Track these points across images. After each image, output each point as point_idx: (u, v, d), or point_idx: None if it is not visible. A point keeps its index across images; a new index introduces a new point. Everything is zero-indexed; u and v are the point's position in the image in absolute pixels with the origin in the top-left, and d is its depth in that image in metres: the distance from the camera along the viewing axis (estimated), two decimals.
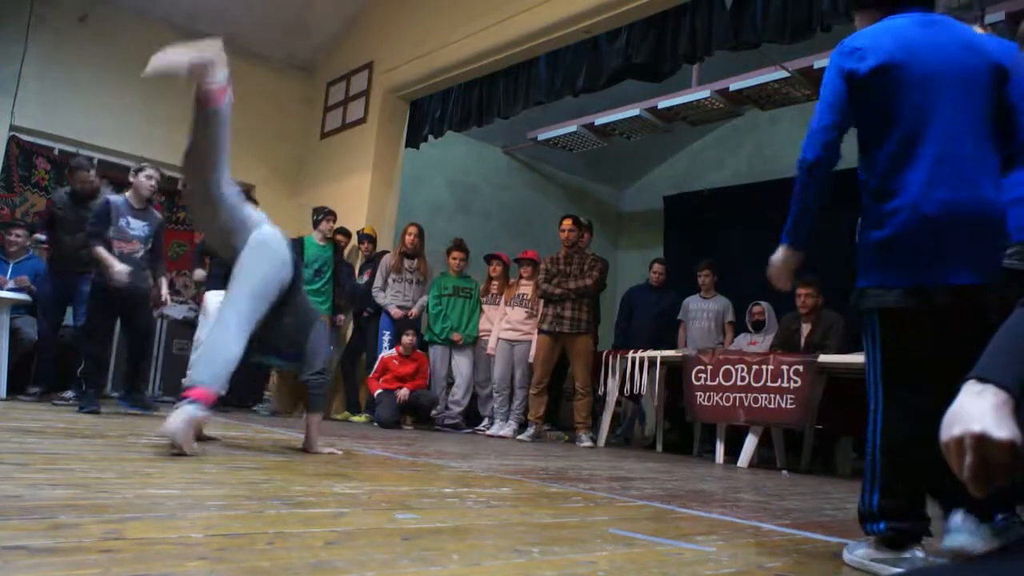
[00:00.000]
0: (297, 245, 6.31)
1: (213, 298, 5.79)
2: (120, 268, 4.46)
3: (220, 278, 5.88)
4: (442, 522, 1.68)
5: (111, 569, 1.03)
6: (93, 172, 5.41)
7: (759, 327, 6.00)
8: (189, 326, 6.65)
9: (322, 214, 6.69)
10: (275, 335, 3.09)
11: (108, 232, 4.59)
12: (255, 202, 6.15)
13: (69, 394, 5.02)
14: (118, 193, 4.97)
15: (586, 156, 8.48)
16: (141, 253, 4.72)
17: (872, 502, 1.66)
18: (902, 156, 1.68)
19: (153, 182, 4.83)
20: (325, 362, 3.18)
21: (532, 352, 6.01)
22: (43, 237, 5.26)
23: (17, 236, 5.65)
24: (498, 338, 6.23)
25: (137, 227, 4.73)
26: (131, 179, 4.82)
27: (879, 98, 1.72)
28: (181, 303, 6.70)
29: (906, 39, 1.72)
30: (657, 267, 6.77)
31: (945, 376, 1.40)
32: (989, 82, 1.72)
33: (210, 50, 2.73)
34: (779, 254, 1.86)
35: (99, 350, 4.69)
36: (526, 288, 6.26)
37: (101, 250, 4.52)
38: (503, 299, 6.38)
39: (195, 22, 7.51)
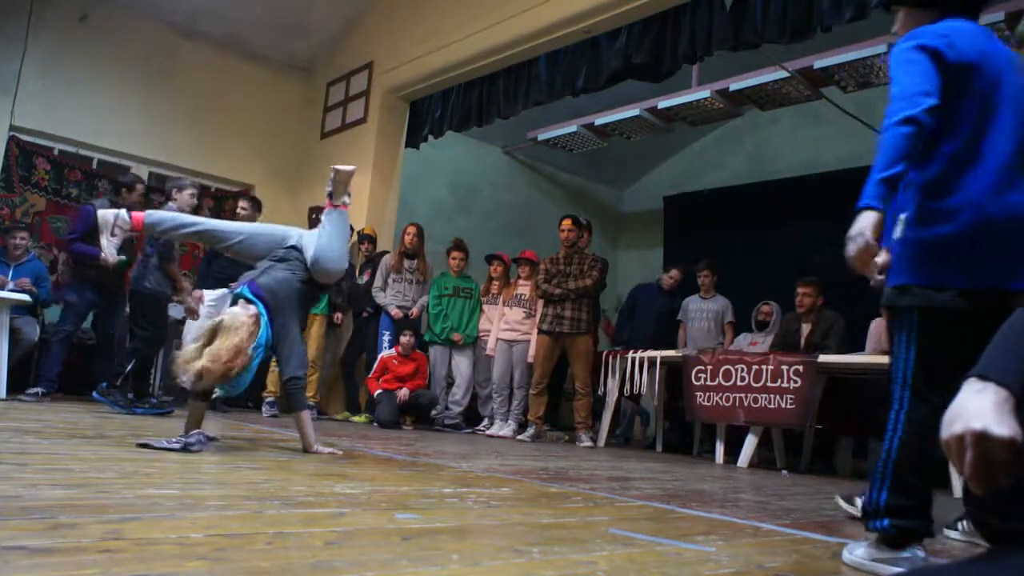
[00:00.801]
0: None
1: (208, 295, 5.92)
2: (192, 300, 4.97)
3: (218, 280, 5.93)
4: (442, 522, 1.68)
5: (110, 569, 1.03)
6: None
7: (763, 327, 5.97)
8: None
9: (317, 212, 6.68)
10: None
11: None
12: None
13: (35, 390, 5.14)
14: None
15: (586, 156, 8.48)
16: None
17: (879, 499, 1.65)
18: (967, 153, 1.65)
19: (196, 200, 5.03)
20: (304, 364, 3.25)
21: (531, 352, 6.01)
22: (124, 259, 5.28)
23: (22, 239, 5.65)
24: (497, 338, 6.23)
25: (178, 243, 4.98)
26: (175, 195, 4.95)
27: (956, 90, 1.67)
28: (180, 303, 6.69)
29: (979, 43, 1.71)
30: (675, 273, 6.73)
31: None
32: None
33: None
34: (865, 222, 1.58)
35: (152, 355, 4.90)
36: (524, 288, 6.27)
37: (177, 271, 4.90)
38: (501, 299, 6.38)
39: (195, 22, 7.52)
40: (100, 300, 5.35)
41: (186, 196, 4.94)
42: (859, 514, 2.56)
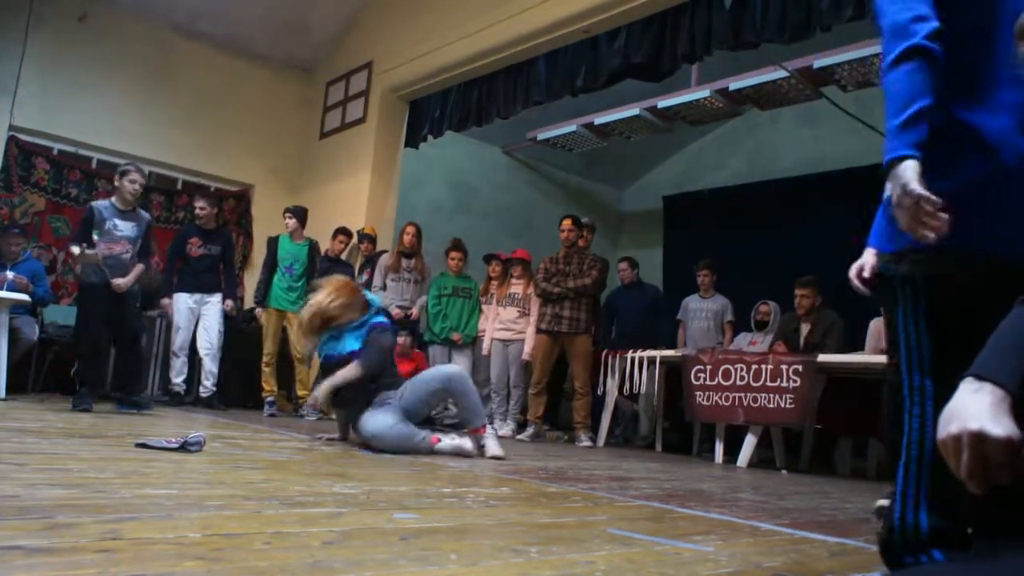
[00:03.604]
0: (272, 243, 6.31)
1: (182, 301, 5.97)
2: (88, 251, 4.53)
3: (189, 281, 5.95)
4: (440, 522, 1.68)
5: (108, 569, 1.03)
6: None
7: (762, 326, 5.97)
8: None
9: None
10: None
11: (92, 236, 4.65)
12: None
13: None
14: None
15: (586, 156, 8.48)
16: (129, 254, 4.76)
17: (919, 523, 1.27)
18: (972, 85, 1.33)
19: (137, 186, 4.89)
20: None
21: (526, 350, 6.00)
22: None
23: (17, 245, 5.66)
24: (491, 338, 6.23)
25: (125, 228, 4.77)
26: (115, 183, 4.89)
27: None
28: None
29: None
30: (622, 265, 6.79)
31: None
32: None
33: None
34: (899, 174, 1.23)
35: (89, 351, 4.71)
36: (517, 287, 6.27)
37: (73, 247, 4.59)
38: (495, 299, 6.38)
39: (195, 22, 7.52)
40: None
41: (125, 183, 4.82)
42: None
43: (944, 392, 1.23)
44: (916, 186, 1.19)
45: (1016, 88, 1.30)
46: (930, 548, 1.25)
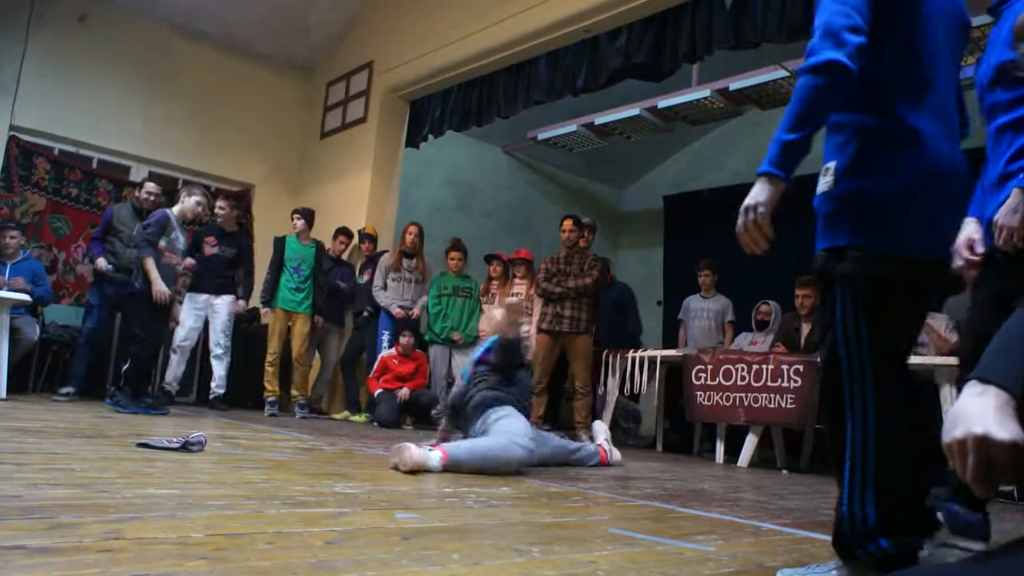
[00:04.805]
0: (279, 244, 6.31)
1: (189, 300, 6.03)
2: (161, 288, 4.75)
3: (198, 281, 5.94)
4: (442, 522, 1.68)
5: (111, 569, 1.03)
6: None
7: (763, 326, 5.97)
8: None
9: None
10: None
11: (160, 243, 4.85)
12: None
13: (68, 390, 5.33)
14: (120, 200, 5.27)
15: (586, 156, 8.48)
16: (180, 267, 5.08)
17: (867, 514, 1.32)
18: (914, 90, 1.42)
19: (201, 209, 5.17)
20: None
21: (529, 351, 6.01)
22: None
23: (12, 238, 5.65)
24: None
25: (181, 242, 5.06)
26: (183, 198, 5.10)
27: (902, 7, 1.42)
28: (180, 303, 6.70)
29: None
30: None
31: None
32: (959, 42, 1.53)
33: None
34: (761, 190, 1.35)
35: (152, 354, 5.05)
36: (520, 287, 6.27)
37: (152, 264, 4.76)
38: (496, 299, 6.38)
39: (195, 22, 7.52)
40: (122, 298, 5.47)
41: (192, 203, 5.09)
42: None
43: (884, 393, 1.34)
44: (765, 211, 1.33)
45: (941, 96, 1.42)
46: (877, 537, 1.32)
